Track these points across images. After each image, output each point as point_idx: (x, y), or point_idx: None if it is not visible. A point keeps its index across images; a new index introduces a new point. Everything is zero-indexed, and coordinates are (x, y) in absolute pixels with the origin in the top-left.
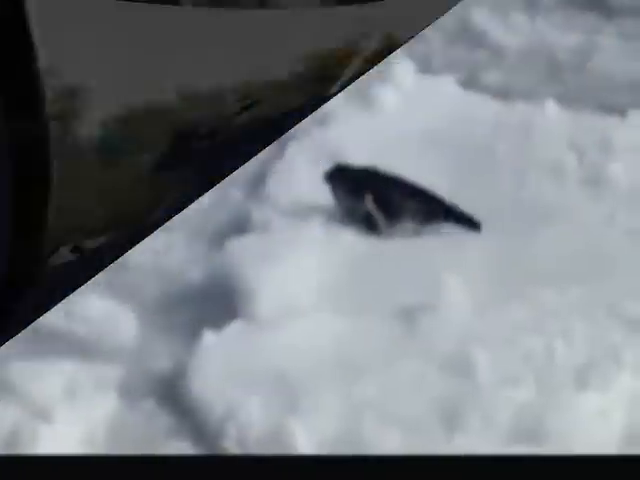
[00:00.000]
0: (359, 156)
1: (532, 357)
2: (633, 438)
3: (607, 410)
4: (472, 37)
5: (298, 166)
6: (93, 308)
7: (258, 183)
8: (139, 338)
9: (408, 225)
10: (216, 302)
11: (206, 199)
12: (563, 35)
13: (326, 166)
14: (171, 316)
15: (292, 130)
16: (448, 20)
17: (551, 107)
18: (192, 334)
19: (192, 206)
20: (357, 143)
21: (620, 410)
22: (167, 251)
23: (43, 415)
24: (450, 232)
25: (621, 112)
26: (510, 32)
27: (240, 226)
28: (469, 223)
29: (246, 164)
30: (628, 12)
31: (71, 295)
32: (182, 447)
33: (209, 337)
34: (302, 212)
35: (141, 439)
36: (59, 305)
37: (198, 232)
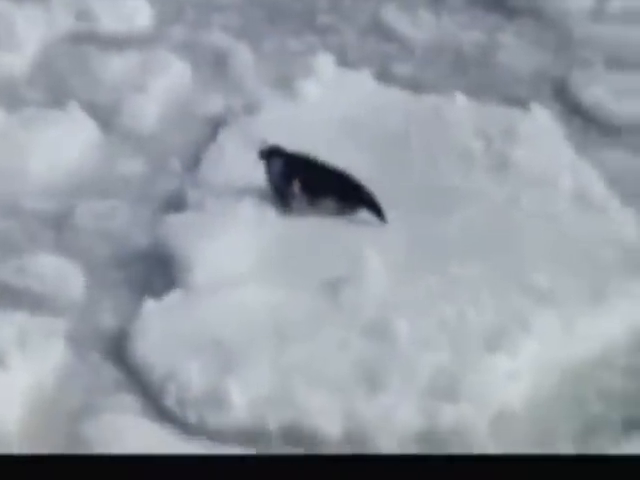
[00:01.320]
0: (285, 142)
1: (446, 323)
2: (538, 397)
3: (515, 371)
4: (382, 31)
5: (229, 151)
6: (44, 266)
7: (193, 166)
8: (86, 295)
9: (329, 209)
10: (156, 273)
11: (143, 169)
12: (467, 32)
13: (255, 152)
14: (116, 276)
15: (223, 117)
16: (360, 15)
17: (460, 98)
18: (135, 296)
19: (130, 174)
20: (283, 130)
21: (526, 371)
22: (109, 215)
23: None
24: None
25: (523, 104)
26: (417, 28)
27: (177, 205)
28: (378, 214)
29: (179, 137)
30: (525, 13)
31: (24, 253)
32: (128, 400)
33: (150, 304)
34: (234, 193)
35: (88, 389)
36: (12, 262)
37: (138, 199)
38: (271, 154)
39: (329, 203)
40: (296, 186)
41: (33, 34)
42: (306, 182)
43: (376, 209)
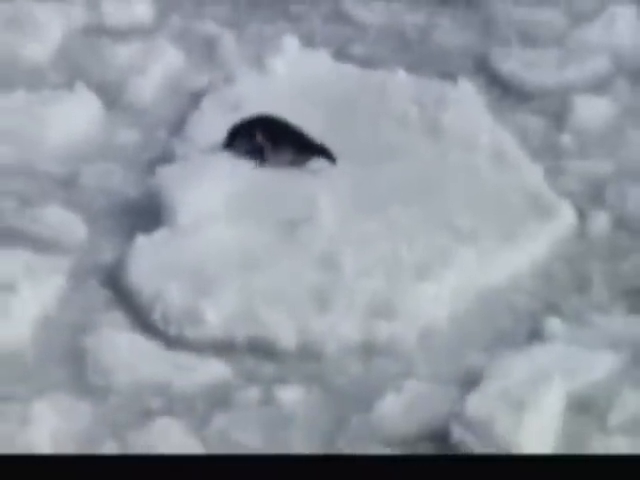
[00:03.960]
0: (255, 108)
1: (384, 257)
2: (456, 316)
3: (439, 295)
4: (343, 18)
5: (210, 115)
6: (53, 216)
7: (181, 127)
8: (87, 239)
9: (287, 155)
10: (147, 214)
11: (138, 138)
12: (411, 16)
13: (231, 115)
14: (112, 224)
15: (205, 87)
16: (324, 5)
17: (400, 73)
18: (128, 237)
19: (127, 142)
20: (255, 98)
21: (448, 296)
22: (108, 176)
23: (10, 287)
24: (315, 162)
25: (453, 77)
26: (371, 14)
27: (166, 158)
28: (329, 157)
29: (169, 111)
30: (464, 2)
31: (38, 206)
32: (120, 318)
33: (141, 239)
34: (212, 149)
35: (88, 310)
36: (28, 212)
37: (133, 162)
38: (234, 133)
39: (287, 151)
40: (259, 137)
41: (54, 27)
42: (267, 133)
43: (326, 153)
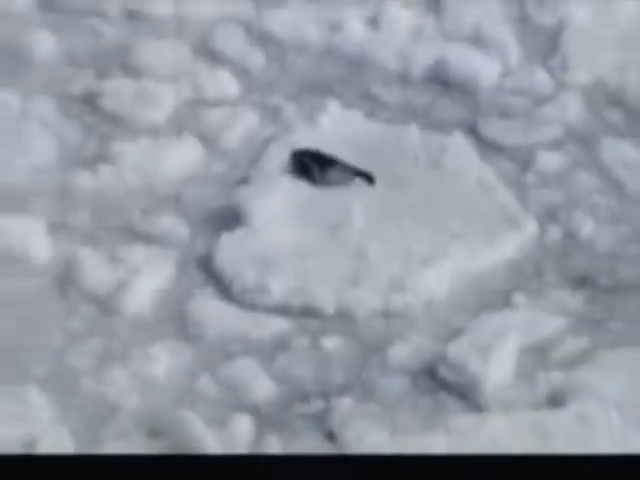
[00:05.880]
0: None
1: (400, 250)
2: (452, 292)
3: (439, 278)
4: (371, 98)
5: (276, 153)
6: (166, 222)
7: (256, 161)
8: (190, 237)
9: (333, 177)
10: (231, 219)
11: (226, 168)
12: (419, 97)
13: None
14: (207, 227)
15: (273, 135)
16: (358, 89)
17: (413, 128)
18: (217, 235)
19: (218, 171)
20: (307, 143)
21: (446, 278)
22: (205, 193)
23: (136, 270)
24: (357, 183)
25: (449, 132)
26: (391, 95)
27: (245, 180)
28: (369, 179)
29: (248, 151)
30: (455, 86)
31: (155, 215)
32: (210, 291)
33: (226, 236)
34: (277, 174)
35: (188, 285)
36: (148, 220)
37: (222, 184)
38: (294, 156)
39: (332, 173)
40: (309, 161)
41: (167, 97)
42: (316, 161)
43: (366, 175)
